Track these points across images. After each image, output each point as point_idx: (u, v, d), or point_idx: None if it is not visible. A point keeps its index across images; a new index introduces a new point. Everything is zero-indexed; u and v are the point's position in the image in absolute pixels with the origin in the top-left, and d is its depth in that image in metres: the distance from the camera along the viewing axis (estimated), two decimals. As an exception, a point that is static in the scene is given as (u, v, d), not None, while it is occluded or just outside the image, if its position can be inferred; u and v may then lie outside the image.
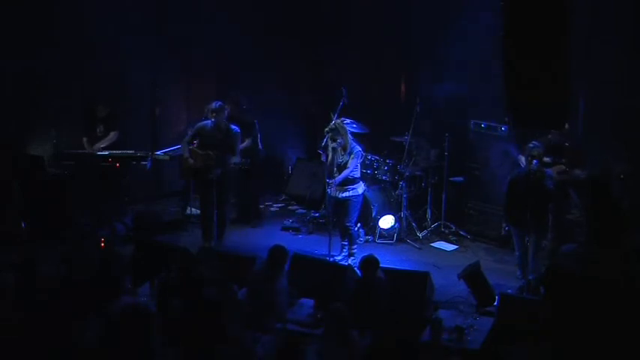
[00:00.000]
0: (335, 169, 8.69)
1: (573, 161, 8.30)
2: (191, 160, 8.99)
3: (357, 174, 8.77)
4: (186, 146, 9.09)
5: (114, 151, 9.68)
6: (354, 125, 9.59)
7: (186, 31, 11.14)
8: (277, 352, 5.19)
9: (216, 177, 8.87)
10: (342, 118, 9.08)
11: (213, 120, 8.94)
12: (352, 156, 8.62)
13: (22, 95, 9.71)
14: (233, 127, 8.98)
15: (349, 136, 8.73)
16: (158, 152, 10.11)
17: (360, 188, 8.78)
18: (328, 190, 8.81)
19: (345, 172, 8.61)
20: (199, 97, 11.23)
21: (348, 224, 8.79)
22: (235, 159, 8.93)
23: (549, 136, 8.46)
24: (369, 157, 9.79)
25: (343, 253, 8.93)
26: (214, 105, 8.93)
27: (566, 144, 8.49)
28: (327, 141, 8.82)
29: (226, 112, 8.99)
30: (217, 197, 8.97)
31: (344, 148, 8.65)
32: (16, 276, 5.90)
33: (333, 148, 8.73)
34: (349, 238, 8.89)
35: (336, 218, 8.94)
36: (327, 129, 8.72)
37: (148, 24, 10.63)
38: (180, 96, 11.67)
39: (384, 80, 11.11)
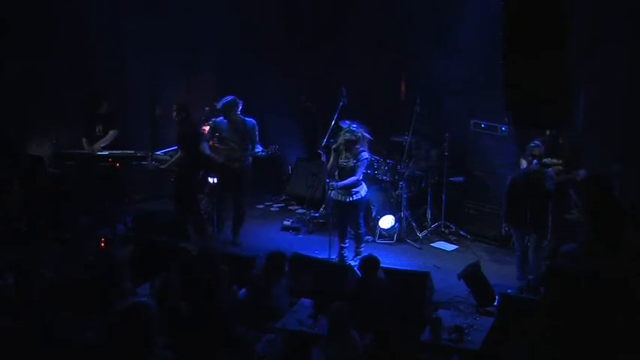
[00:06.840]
0: (337, 172, 8.63)
1: (571, 161, 8.30)
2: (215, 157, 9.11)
3: (360, 177, 8.70)
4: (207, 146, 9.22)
5: (114, 151, 9.67)
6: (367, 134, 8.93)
7: (186, 32, 11.15)
8: (278, 352, 5.20)
9: (240, 167, 9.01)
10: (363, 128, 8.63)
11: (223, 117, 8.96)
12: (359, 163, 8.52)
13: (23, 95, 9.71)
14: (248, 119, 9.04)
15: (363, 144, 8.61)
16: (158, 152, 10.10)
17: (363, 190, 8.72)
18: (330, 192, 8.77)
19: (351, 179, 8.51)
20: (199, 97, 11.24)
21: (358, 227, 8.79)
22: (258, 148, 9.03)
23: (548, 137, 8.44)
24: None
25: (346, 253, 8.91)
26: (226, 100, 8.96)
27: (565, 144, 8.48)
28: (327, 141, 8.77)
29: (240, 105, 9.01)
30: (236, 189, 9.16)
31: (353, 154, 8.52)
32: (16, 276, 5.90)
33: (334, 150, 8.70)
34: (358, 238, 8.90)
35: (340, 222, 8.87)
36: (347, 138, 8.44)
37: (149, 24, 10.62)
38: (180, 96, 11.66)
39: (384, 80, 11.11)
